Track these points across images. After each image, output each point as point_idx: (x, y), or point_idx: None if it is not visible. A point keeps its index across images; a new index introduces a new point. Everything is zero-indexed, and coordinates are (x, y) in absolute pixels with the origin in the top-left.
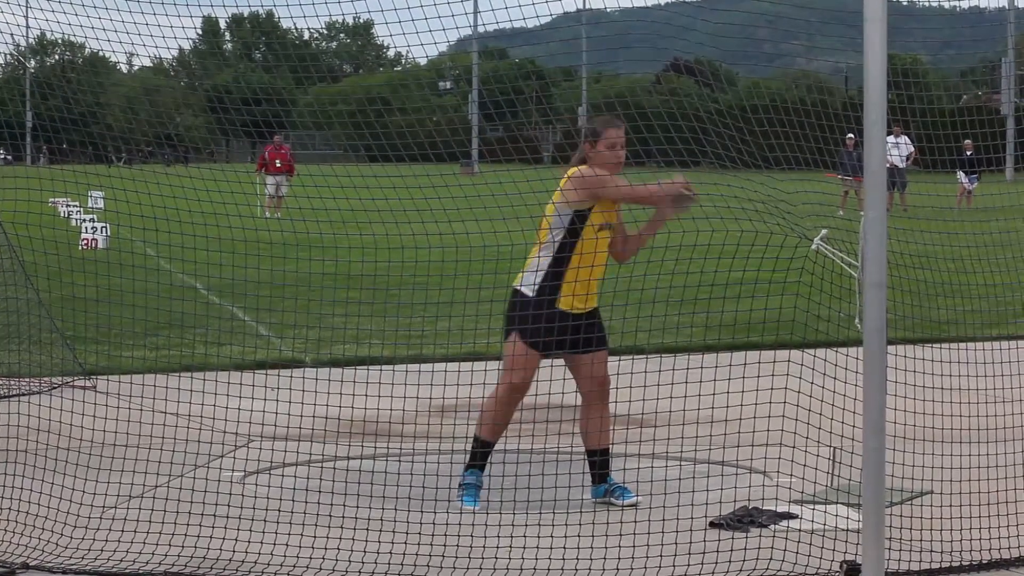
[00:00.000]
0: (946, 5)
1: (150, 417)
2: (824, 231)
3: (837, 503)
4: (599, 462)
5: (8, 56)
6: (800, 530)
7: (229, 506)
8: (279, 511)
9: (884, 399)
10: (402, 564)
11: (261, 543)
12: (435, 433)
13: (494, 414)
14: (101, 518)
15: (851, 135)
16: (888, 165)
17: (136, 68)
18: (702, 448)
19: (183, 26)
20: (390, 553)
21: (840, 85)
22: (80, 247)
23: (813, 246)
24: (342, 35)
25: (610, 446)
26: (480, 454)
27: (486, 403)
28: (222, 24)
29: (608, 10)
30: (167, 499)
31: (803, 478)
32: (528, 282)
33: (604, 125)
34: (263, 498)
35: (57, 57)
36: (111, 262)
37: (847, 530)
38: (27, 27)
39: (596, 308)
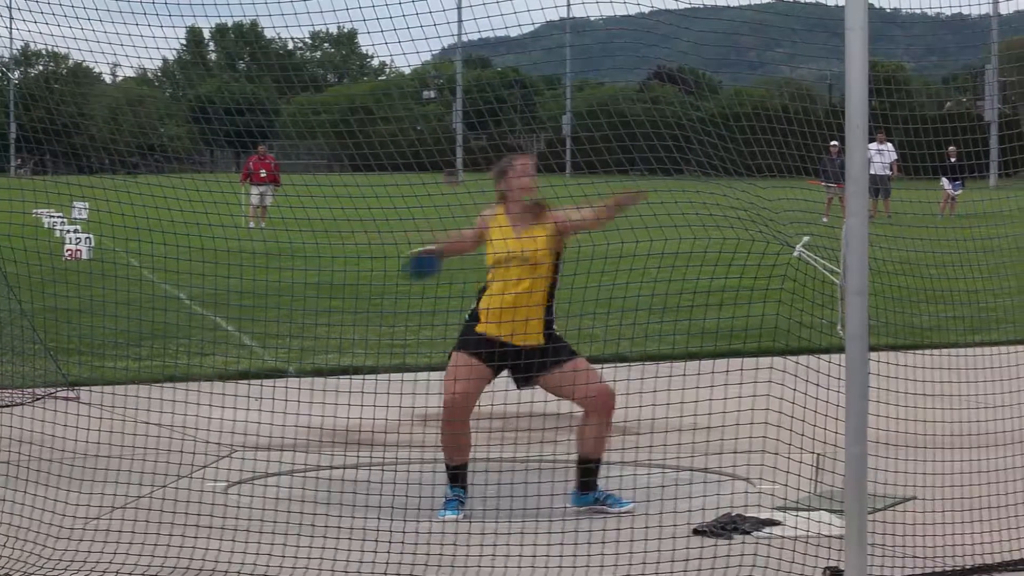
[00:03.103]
0: (929, 12)
1: (133, 428)
2: (806, 238)
3: (820, 509)
4: (588, 470)
5: None
6: (783, 536)
7: (212, 516)
8: (263, 521)
9: (866, 405)
10: (385, 573)
11: (244, 553)
12: (418, 442)
13: (445, 437)
14: (84, 528)
15: (835, 142)
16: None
17: (120, 79)
18: (685, 455)
19: (166, 36)
20: (373, 563)
21: (824, 92)
22: (64, 258)
23: (795, 253)
24: (326, 44)
25: (601, 456)
26: (454, 476)
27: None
28: (206, 34)
29: (592, 19)
30: (150, 509)
31: (786, 485)
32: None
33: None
34: (247, 508)
35: (41, 68)
36: (95, 272)
37: (830, 536)
38: (11, 38)
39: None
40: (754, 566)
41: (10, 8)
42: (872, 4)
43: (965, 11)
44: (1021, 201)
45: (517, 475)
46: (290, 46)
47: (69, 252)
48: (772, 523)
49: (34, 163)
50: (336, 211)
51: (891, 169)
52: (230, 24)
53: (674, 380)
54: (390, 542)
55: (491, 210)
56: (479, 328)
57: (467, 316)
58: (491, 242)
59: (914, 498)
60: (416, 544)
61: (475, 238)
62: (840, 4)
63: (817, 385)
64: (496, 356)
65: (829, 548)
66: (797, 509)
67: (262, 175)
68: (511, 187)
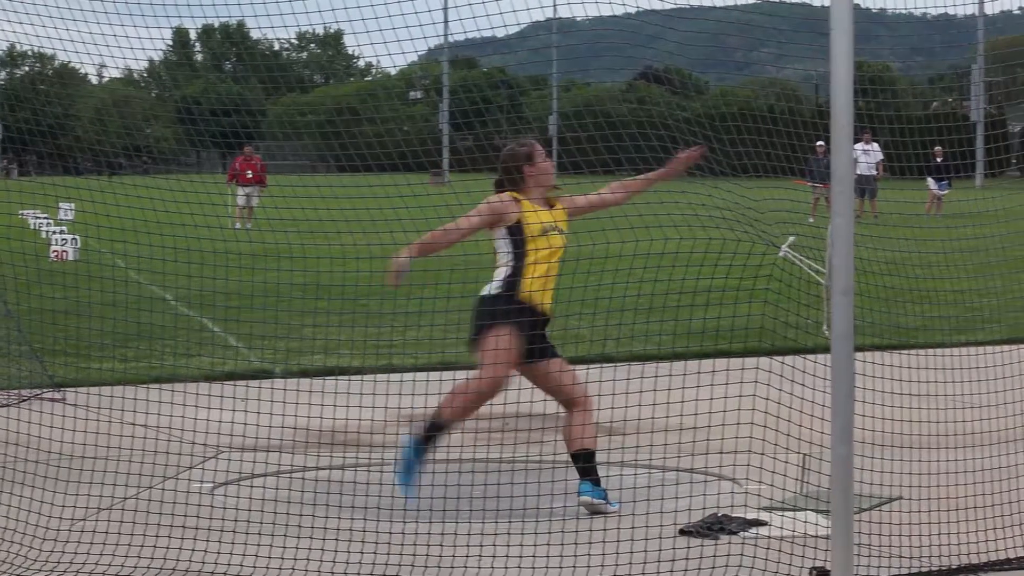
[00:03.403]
0: (915, 12)
1: (119, 429)
2: (792, 238)
3: (806, 509)
4: (592, 467)
5: None
6: (769, 537)
7: (199, 517)
8: (249, 522)
9: (852, 405)
10: (372, 575)
11: (231, 554)
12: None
13: (465, 398)
14: (71, 530)
15: (821, 142)
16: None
17: (106, 79)
18: (671, 456)
19: (152, 37)
20: (360, 563)
21: (810, 93)
22: (50, 259)
23: (781, 253)
24: (312, 45)
25: (594, 450)
26: (432, 429)
27: (458, 386)
28: (192, 35)
29: (578, 19)
30: (136, 511)
31: (772, 485)
32: (490, 286)
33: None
34: (233, 509)
35: (27, 68)
36: (81, 274)
37: (816, 536)
38: None
39: (546, 320)
40: (740, 566)
41: None
42: (858, 4)
43: (951, 11)
44: (1007, 201)
45: (504, 475)
46: (276, 47)
47: (55, 253)
48: (758, 523)
49: (20, 164)
50: (322, 212)
51: (877, 169)
52: (216, 25)
53: (660, 380)
54: (376, 543)
55: (502, 196)
56: (522, 297)
57: (489, 293)
58: (528, 221)
59: (900, 498)
60: (402, 545)
61: (476, 226)
62: (825, 4)
63: (803, 385)
64: (531, 328)
65: (815, 548)
66: (783, 509)
67: (248, 176)
68: (540, 170)
